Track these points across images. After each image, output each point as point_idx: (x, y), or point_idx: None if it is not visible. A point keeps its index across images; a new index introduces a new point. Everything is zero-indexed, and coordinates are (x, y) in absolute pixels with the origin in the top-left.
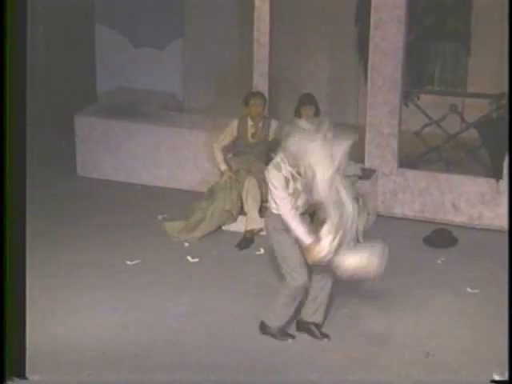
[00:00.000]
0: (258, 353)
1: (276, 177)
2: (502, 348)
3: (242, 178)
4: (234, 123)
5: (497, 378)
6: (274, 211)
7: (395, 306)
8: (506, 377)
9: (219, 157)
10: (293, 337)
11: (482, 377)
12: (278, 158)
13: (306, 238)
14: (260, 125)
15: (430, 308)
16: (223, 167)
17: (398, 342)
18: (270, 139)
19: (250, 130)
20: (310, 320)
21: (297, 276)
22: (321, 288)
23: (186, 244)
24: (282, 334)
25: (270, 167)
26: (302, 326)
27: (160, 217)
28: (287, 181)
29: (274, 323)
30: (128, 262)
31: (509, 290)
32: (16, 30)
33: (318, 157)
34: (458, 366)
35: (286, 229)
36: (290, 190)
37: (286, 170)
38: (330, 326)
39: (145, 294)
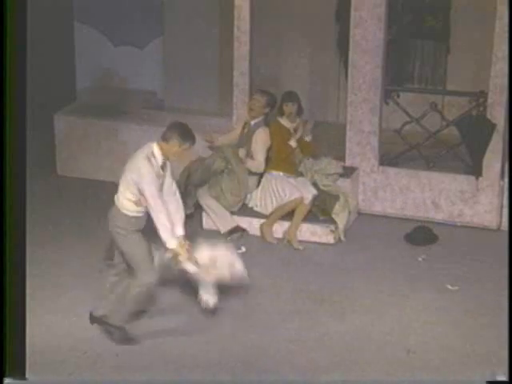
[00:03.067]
0: (240, 352)
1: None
2: (483, 345)
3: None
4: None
5: (498, 378)
6: (125, 211)
7: (376, 304)
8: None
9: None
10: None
11: (463, 374)
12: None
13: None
14: (252, 123)
15: (411, 305)
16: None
17: (379, 340)
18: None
19: (244, 128)
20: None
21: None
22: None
23: None
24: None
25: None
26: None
27: None
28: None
29: (114, 318)
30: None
31: (509, 289)
32: (16, 29)
33: None
34: (438, 363)
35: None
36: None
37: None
38: (311, 324)
39: None
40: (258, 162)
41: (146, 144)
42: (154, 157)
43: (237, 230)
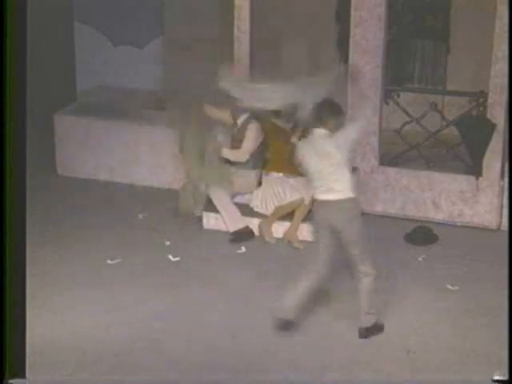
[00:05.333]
0: (239, 352)
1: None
2: (483, 345)
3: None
4: None
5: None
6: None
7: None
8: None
9: None
10: None
11: (463, 374)
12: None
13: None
14: (238, 122)
15: (411, 305)
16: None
17: (379, 340)
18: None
19: (233, 127)
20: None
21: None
22: None
23: (167, 243)
24: None
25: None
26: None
27: (141, 215)
28: None
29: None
30: (109, 261)
31: (509, 289)
32: (16, 29)
33: None
34: (438, 363)
35: None
36: None
37: None
38: (312, 324)
39: (126, 294)
40: (242, 151)
41: None
42: (313, 135)
43: (246, 231)
